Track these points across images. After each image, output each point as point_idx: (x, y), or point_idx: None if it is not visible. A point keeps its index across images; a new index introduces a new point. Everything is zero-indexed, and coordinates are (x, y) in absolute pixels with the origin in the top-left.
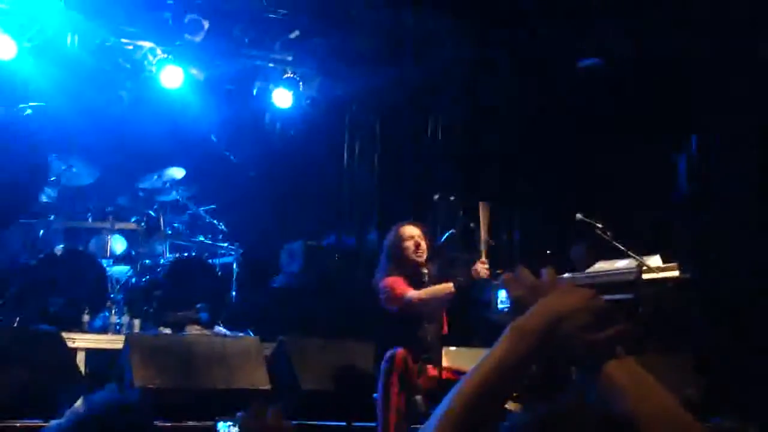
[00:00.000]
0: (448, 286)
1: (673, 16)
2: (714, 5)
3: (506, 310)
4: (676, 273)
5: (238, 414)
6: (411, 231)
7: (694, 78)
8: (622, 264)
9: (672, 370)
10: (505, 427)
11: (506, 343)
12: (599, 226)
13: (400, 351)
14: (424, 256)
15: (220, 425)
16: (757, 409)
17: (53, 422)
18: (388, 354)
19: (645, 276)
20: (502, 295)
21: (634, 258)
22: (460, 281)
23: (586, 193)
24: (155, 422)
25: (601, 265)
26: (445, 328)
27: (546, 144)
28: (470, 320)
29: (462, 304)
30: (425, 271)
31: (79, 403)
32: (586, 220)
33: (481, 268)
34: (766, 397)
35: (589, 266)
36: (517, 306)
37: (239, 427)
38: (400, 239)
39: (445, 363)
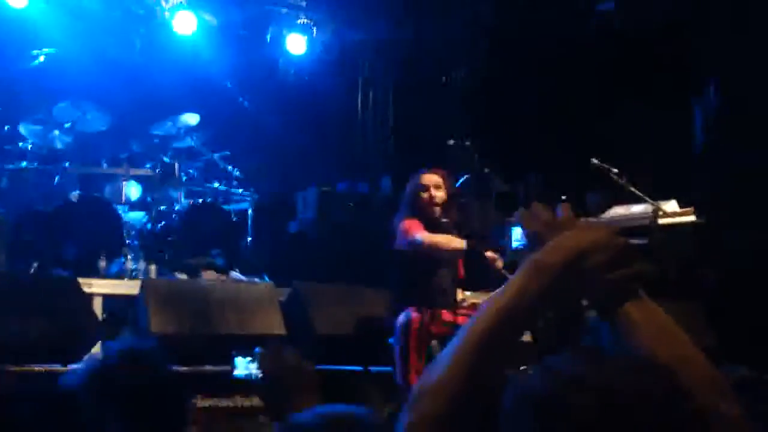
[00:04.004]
0: (460, 243)
1: None
2: None
3: (521, 248)
4: (692, 218)
5: (256, 350)
6: (429, 180)
7: (714, 24)
8: (637, 209)
9: (683, 317)
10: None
11: (523, 277)
12: (615, 171)
13: (414, 319)
14: (438, 208)
15: (238, 360)
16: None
17: (73, 368)
18: (402, 322)
19: (661, 221)
20: (517, 232)
21: (650, 203)
22: (472, 243)
23: (603, 139)
24: (171, 367)
25: (616, 210)
26: (461, 272)
27: (562, 90)
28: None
29: (473, 261)
30: (443, 220)
31: (96, 348)
32: (602, 165)
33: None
34: None
35: (605, 212)
36: (533, 242)
37: (258, 363)
38: (417, 188)
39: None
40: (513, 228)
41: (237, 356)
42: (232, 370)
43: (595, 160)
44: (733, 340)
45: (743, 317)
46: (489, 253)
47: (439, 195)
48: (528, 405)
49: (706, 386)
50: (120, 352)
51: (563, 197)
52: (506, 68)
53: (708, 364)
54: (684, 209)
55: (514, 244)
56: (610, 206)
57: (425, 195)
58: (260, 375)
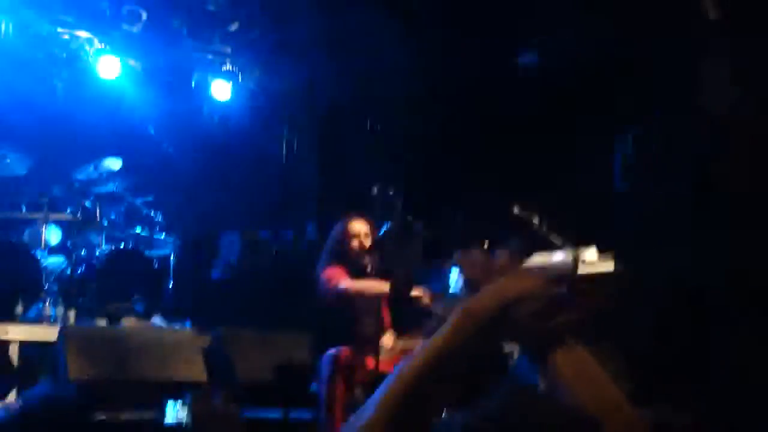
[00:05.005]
0: (384, 287)
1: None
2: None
3: (458, 292)
4: (611, 266)
5: (186, 394)
6: (358, 228)
7: (632, 74)
8: (557, 257)
9: (602, 364)
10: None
11: (454, 324)
12: (536, 219)
13: (343, 352)
14: (366, 255)
15: (169, 404)
16: (687, 401)
17: None
18: (331, 355)
19: (580, 270)
20: (454, 276)
21: (570, 251)
22: (398, 286)
23: (525, 186)
24: (91, 415)
25: (536, 258)
26: (388, 318)
27: (485, 138)
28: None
29: (397, 305)
30: (366, 262)
31: (11, 396)
32: (523, 212)
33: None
34: (696, 390)
35: (525, 259)
36: (471, 287)
37: (189, 410)
38: (347, 236)
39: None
40: (450, 272)
41: (168, 399)
42: (162, 417)
43: (516, 208)
44: (652, 383)
45: (662, 360)
46: (416, 291)
47: (368, 243)
48: None
49: None
50: (39, 399)
51: (484, 242)
52: (429, 115)
53: (633, 413)
54: (603, 257)
55: (452, 289)
56: (530, 252)
57: (355, 243)
58: (189, 422)
